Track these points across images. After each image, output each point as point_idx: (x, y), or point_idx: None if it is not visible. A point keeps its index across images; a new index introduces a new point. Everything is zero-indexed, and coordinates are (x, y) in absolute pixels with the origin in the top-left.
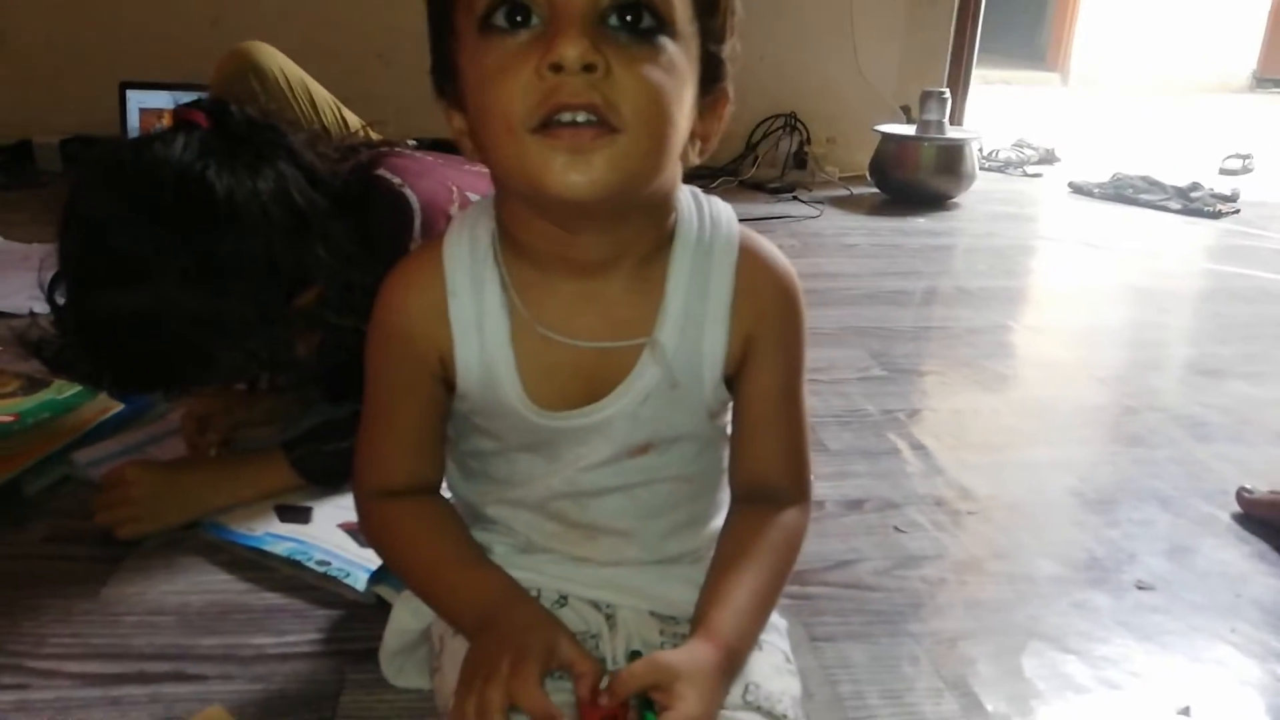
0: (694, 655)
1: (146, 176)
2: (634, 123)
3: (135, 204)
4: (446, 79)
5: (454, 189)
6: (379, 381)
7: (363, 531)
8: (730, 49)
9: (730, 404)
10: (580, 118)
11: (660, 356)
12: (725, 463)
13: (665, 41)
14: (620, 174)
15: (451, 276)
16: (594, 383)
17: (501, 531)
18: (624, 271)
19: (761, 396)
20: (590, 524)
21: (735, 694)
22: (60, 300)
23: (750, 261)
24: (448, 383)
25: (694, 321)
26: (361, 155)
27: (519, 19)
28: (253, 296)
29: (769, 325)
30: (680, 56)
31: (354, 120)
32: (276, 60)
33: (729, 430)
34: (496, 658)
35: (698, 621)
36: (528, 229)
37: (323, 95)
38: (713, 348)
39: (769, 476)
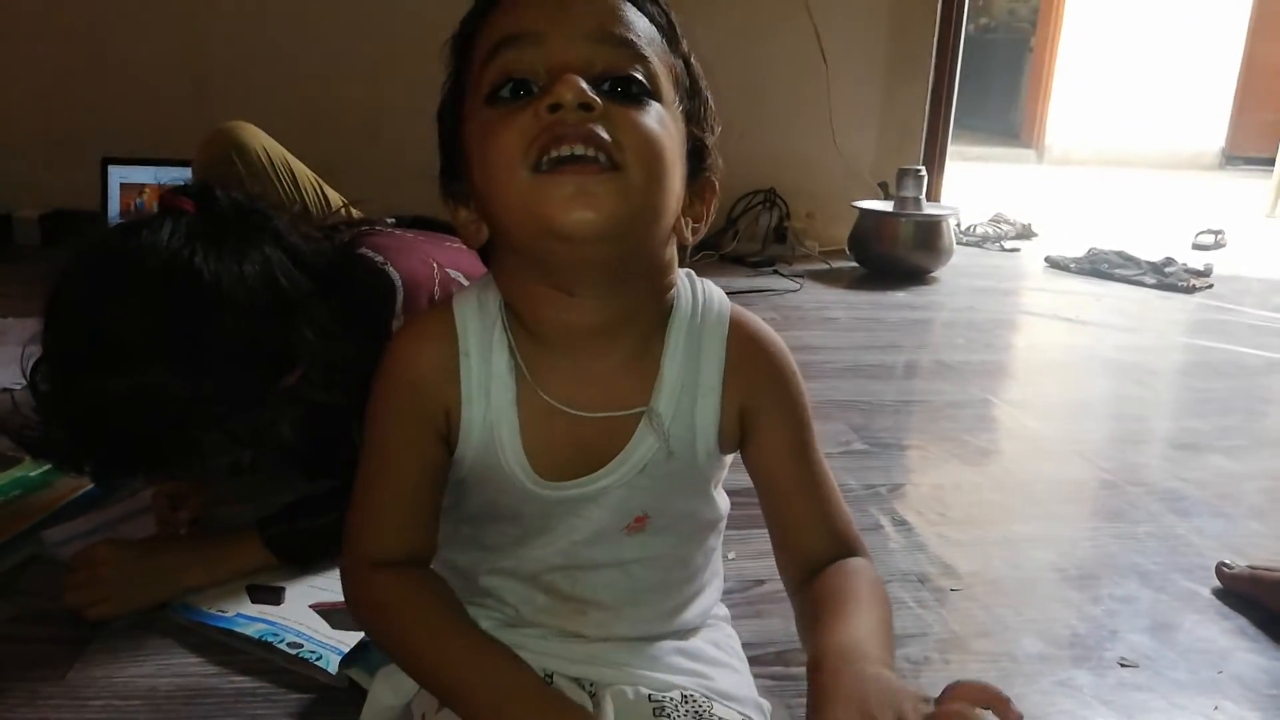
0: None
1: (133, 263)
2: (634, 161)
3: (121, 290)
4: (454, 175)
5: (435, 265)
6: (382, 438)
7: (350, 601)
8: (713, 143)
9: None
10: (579, 150)
11: (657, 425)
12: (716, 544)
13: (655, 104)
14: (626, 208)
15: (464, 336)
16: (592, 454)
17: (490, 605)
18: (623, 347)
19: (777, 465)
20: (581, 598)
21: None
22: (42, 386)
23: (739, 334)
24: (449, 444)
25: (688, 392)
26: (343, 234)
27: (521, 92)
28: (238, 380)
29: (764, 394)
30: (670, 121)
31: (335, 197)
32: (259, 139)
33: (725, 515)
34: None
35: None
36: (528, 297)
37: (304, 172)
38: (705, 417)
39: (813, 547)
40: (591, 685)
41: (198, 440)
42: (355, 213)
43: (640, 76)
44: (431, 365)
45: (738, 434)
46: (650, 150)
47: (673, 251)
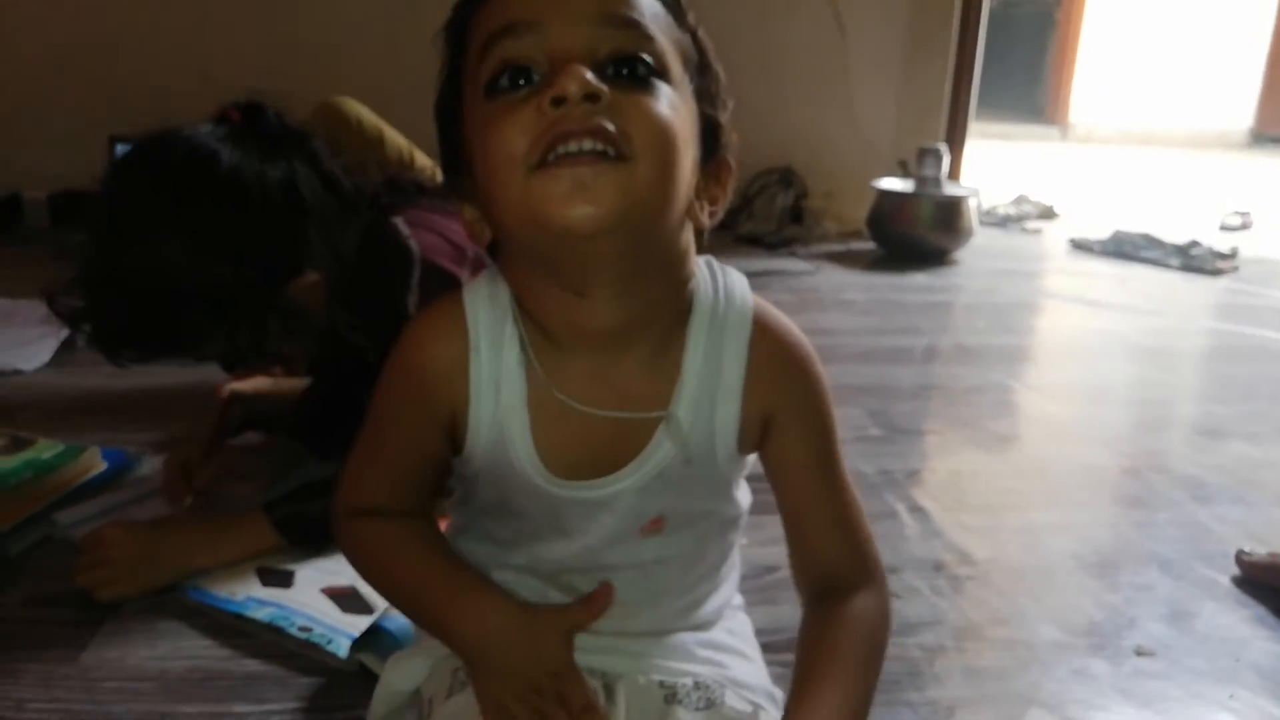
0: None
1: (164, 150)
2: (642, 149)
3: (148, 172)
4: (457, 170)
5: (469, 250)
6: (384, 419)
7: (340, 547)
8: (726, 120)
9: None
10: (586, 145)
11: (676, 432)
12: (734, 539)
13: (664, 86)
14: (629, 201)
15: (474, 330)
16: (606, 455)
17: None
18: (640, 348)
19: (797, 474)
20: None
21: None
22: (80, 257)
23: (763, 336)
24: (453, 441)
25: (707, 397)
26: (391, 196)
27: (521, 81)
28: (237, 263)
29: (787, 399)
30: (680, 102)
31: (424, 161)
32: (356, 110)
33: (746, 510)
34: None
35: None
36: (539, 298)
37: (394, 142)
38: (725, 424)
39: (830, 562)
40: (604, 675)
41: (192, 316)
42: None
43: (648, 58)
44: (441, 360)
45: (758, 436)
46: (661, 138)
47: (689, 238)
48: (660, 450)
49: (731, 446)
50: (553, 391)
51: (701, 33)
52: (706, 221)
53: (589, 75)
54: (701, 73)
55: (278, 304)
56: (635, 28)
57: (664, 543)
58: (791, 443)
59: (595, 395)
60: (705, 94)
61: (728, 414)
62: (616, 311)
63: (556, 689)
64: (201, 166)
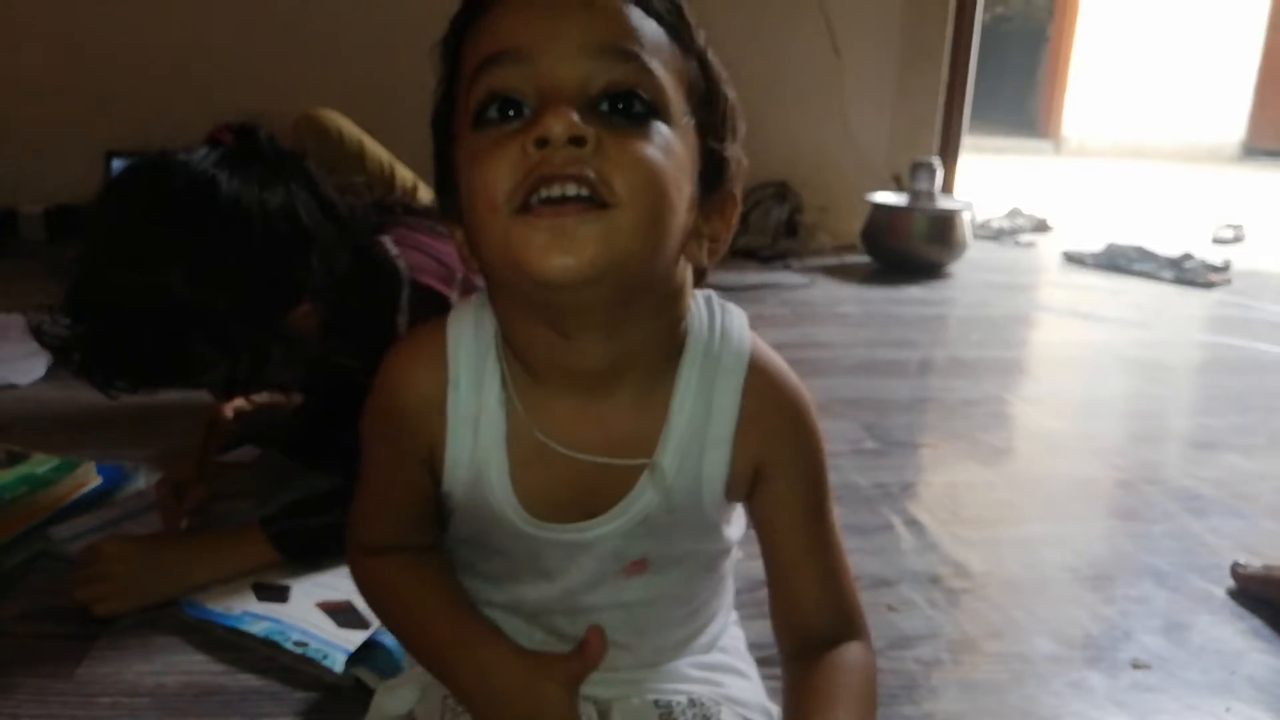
0: None
1: (162, 175)
2: (627, 197)
3: (146, 196)
4: (450, 191)
5: (457, 271)
6: (371, 452)
7: (355, 583)
8: (733, 151)
9: (731, 514)
10: (569, 191)
11: (659, 481)
12: (725, 570)
13: (660, 126)
14: (611, 252)
15: (454, 366)
16: (588, 498)
17: None
18: (628, 387)
19: (785, 527)
20: (580, 638)
21: None
22: (70, 281)
23: (758, 381)
24: (434, 474)
25: (695, 443)
26: (380, 215)
27: (510, 112)
28: (244, 296)
29: (779, 449)
30: (677, 143)
31: (404, 175)
32: (337, 123)
33: (736, 542)
34: None
35: None
36: (524, 335)
37: (375, 154)
38: (712, 471)
39: (814, 619)
40: (597, 701)
41: (191, 348)
42: (428, 192)
43: (644, 94)
44: (418, 395)
45: (748, 485)
46: (648, 186)
47: (685, 275)
48: (644, 497)
49: (718, 494)
50: (534, 432)
51: (712, 56)
52: (706, 260)
53: (575, 117)
54: (708, 103)
55: (279, 333)
56: (632, 60)
57: (648, 583)
58: (781, 494)
59: (579, 435)
60: (710, 126)
61: (716, 461)
62: (604, 354)
63: None
64: (201, 196)
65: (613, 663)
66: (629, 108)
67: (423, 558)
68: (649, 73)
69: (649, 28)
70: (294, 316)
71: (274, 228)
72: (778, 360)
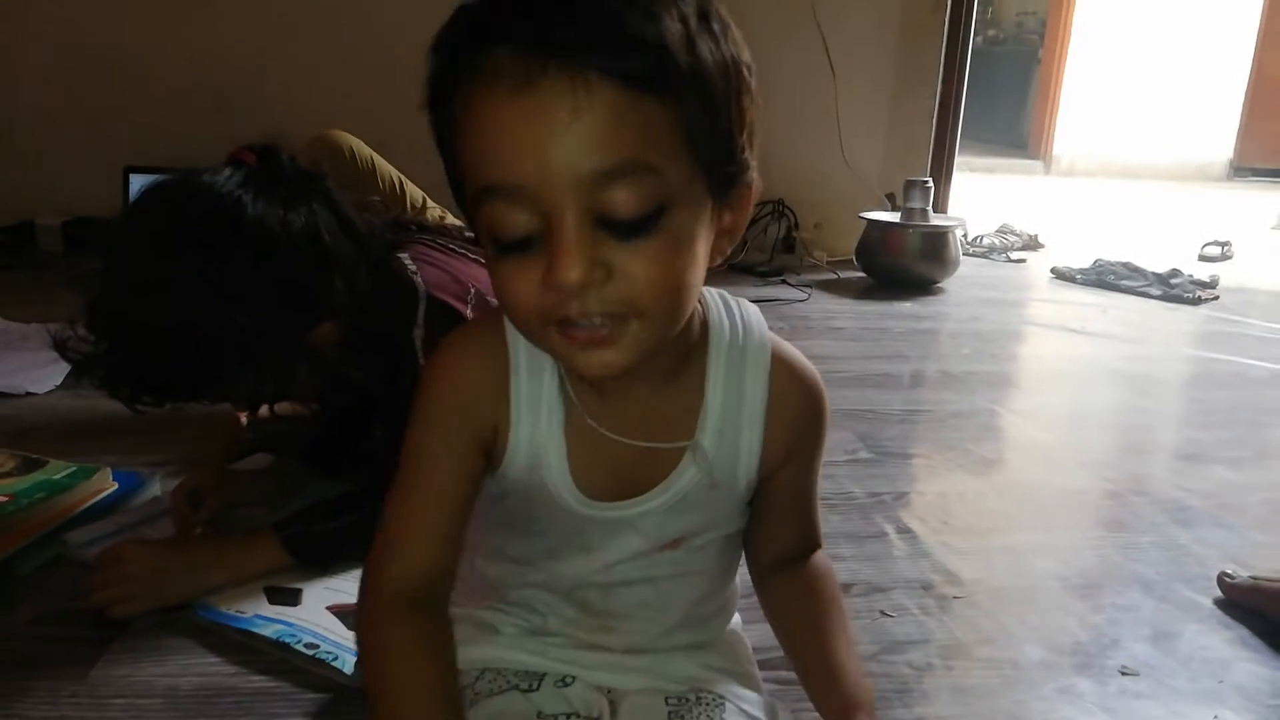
0: None
1: (187, 197)
2: (647, 308)
3: (172, 219)
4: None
5: (472, 287)
6: (423, 448)
7: (356, 628)
8: (745, 150)
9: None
10: (596, 321)
11: (701, 459)
12: (738, 557)
13: (669, 215)
14: (641, 349)
15: (515, 353)
16: (633, 478)
17: (515, 613)
18: (657, 371)
19: (786, 489)
20: (611, 611)
21: None
22: (93, 301)
23: (783, 370)
24: (490, 458)
25: (731, 424)
26: (395, 235)
27: (522, 234)
28: (264, 315)
29: (803, 432)
30: (684, 217)
31: (414, 193)
32: (348, 142)
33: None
34: None
35: (831, 685)
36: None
37: (386, 172)
38: (749, 449)
39: (789, 547)
40: (610, 691)
41: (221, 371)
42: (438, 211)
43: (648, 205)
44: (481, 380)
45: (774, 465)
46: (666, 290)
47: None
48: (686, 474)
49: (753, 470)
50: (585, 418)
51: (707, 50)
52: (727, 251)
53: (584, 265)
54: (711, 126)
55: (303, 351)
56: (630, 174)
57: (679, 559)
58: (793, 469)
59: (624, 422)
60: (716, 158)
61: (751, 439)
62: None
63: None
64: (227, 219)
65: (628, 640)
66: (636, 219)
67: (435, 635)
68: (649, 177)
69: (639, 116)
70: (316, 334)
71: (298, 249)
72: (796, 353)
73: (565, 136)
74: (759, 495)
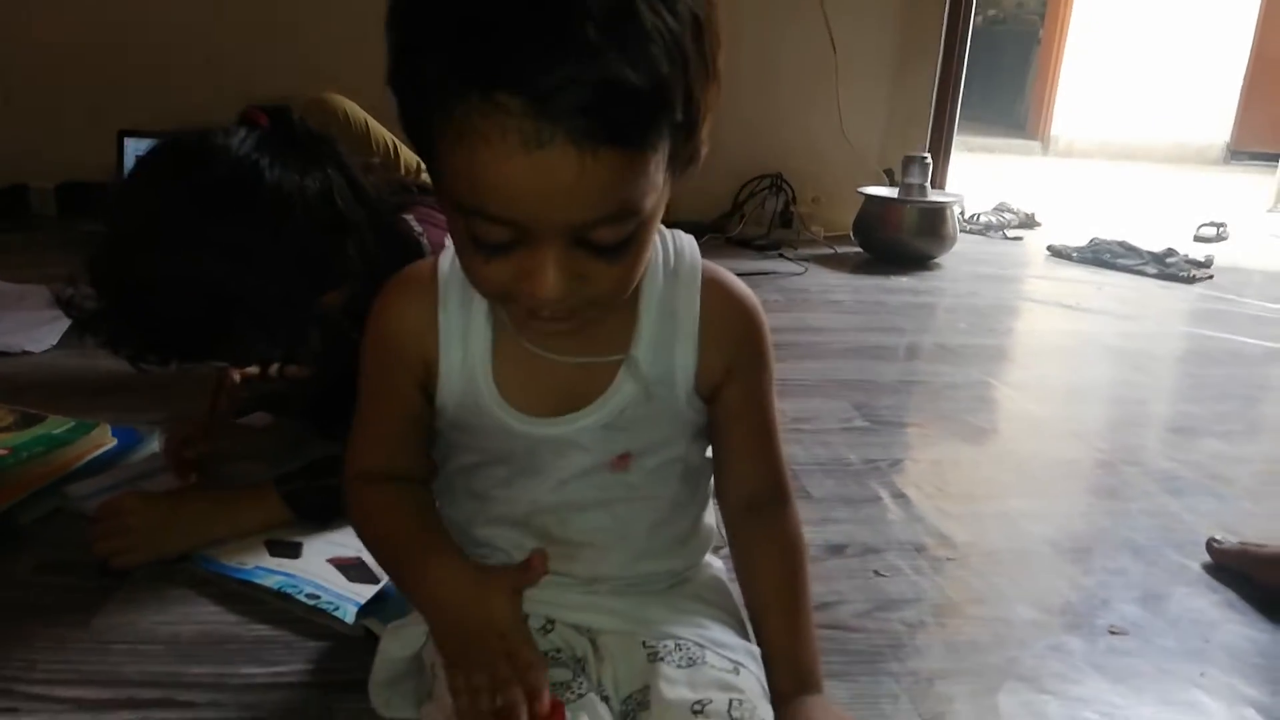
0: (823, 712)
1: (203, 159)
2: (607, 299)
3: (187, 181)
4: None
5: None
6: (368, 378)
7: (347, 510)
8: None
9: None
10: (561, 324)
11: (636, 371)
12: (705, 493)
13: (637, 235)
14: (592, 321)
15: (444, 289)
16: (572, 396)
17: (484, 554)
18: None
19: (738, 416)
20: (569, 539)
21: (720, 704)
22: (101, 260)
23: (714, 289)
24: (428, 392)
25: (665, 339)
26: (398, 196)
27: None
28: (281, 280)
29: (738, 349)
30: (652, 225)
31: (409, 157)
32: (343, 105)
33: (709, 471)
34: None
35: (787, 667)
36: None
37: (380, 135)
38: (683, 363)
39: (755, 488)
40: (589, 631)
41: (233, 333)
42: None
43: (625, 238)
44: (410, 318)
45: (715, 381)
46: (624, 289)
47: None
48: (623, 389)
49: (690, 383)
50: (519, 341)
51: (707, 52)
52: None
53: (564, 284)
54: (679, 126)
55: (315, 315)
56: (622, 219)
57: (631, 482)
58: (737, 390)
59: (560, 341)
60: (681, 139)
61: (684, 353)
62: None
63: (504, 647)
64: (245, 184)
65: (594, 569)
66: (614, 245)
67: (406, 487)
68: (633, 217)
69: (636, 168)
70: (327, 298)
71: (314, 214)
72: (727, 274)
73: (567, 195)
74: (713, 425)
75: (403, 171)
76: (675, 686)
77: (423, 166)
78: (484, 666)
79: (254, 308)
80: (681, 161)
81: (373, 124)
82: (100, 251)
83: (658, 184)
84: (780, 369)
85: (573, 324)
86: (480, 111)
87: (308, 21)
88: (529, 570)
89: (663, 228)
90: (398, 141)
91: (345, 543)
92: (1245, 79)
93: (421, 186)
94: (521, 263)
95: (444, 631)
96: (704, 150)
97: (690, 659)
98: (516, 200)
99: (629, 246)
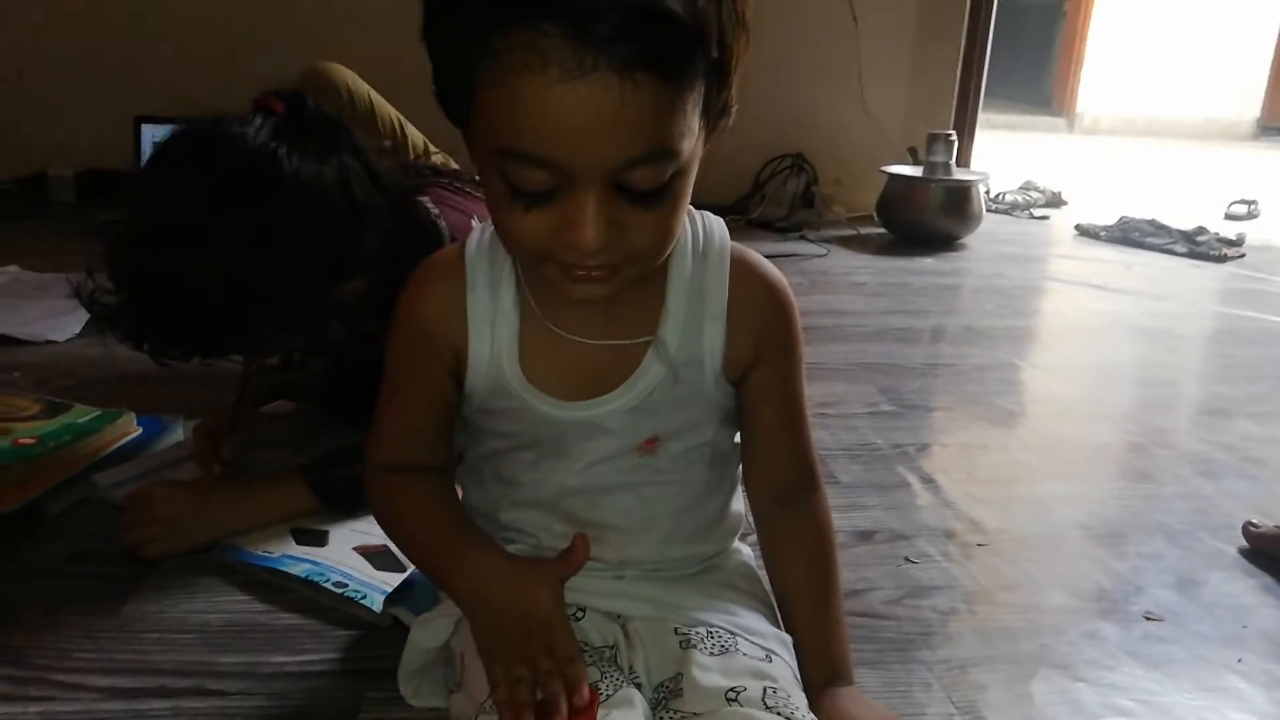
0: (855, 702)
1: (220, 148)
2: (644, 257)
3: (205, 171)
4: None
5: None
6: (394, 367)
7: (369, 501)
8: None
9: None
10: (596, 274)
11: (664, 353)
12: (734, 478)
13: (674, 184)
14: (628, 281)
15: (472, 274)
16: (600, 380)
17: (512, 538)
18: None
19: (767, 400)
20: (597, 522)
21: (755, 692)
22: (119, 253)
23: (744, 271)
24: (458, 378)
25: (693, 321)
26: (413, 178)
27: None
28: (302, 273)
29: (767, 331)
30: (688, 175)
31: (415, 137)
32: (345, 78)
33: (738, 459)
34: (522, 625)
35: (818, 657)
36: (533, 276)
37: (385, 112)
38: (711, 344)
39: (785, 476)
40: (620, 618)
41: (252, 325)
42: (440, 157)
43: (662, 183)
44: (439, 305)
45: (743, 364)
46: (662, 244)
47: None
48: (650, 371)
49: (718, 366)
50: (546, 325)
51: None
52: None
53: (603, 231)
54: (715, 81)
55: (336, 306)
56: (661, 160)
57: (658, 466)
58: (766, 374)
59: (588, 324)
60: (715, 91)
61: (713, 335)
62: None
63: (545, 639)
64: (263, 174)
65: (622, 553)
66: (652, 191)
67: (431, 477)
68: (669, 159)
69: (674, 104)
70: (347, 288)
71: (333, 204)
72: (756, 255)
73: (608, 129)
74: (741, 410)
75: (410, 150)
76: (709, 674)
77: (430, 147)
78: (525, 659)
79: (273, 299)
80: (715, 112)
81: (377, 99)
82: (118, 246)
83: (694, 128)
84: (804, 353)
85: (609, 286)
86: (520, 44)
87: (322, 4)
88: (571, 560)
89: (692, 209)
90: (404, 119)
91: (371, 530)
92: (1276, 52)
93: (435, 168)
94: (561, 212)
95: (484, 624)
96: (734, 108)
97: (723, 646)
98: (557, 137)
99: (666, 195)
